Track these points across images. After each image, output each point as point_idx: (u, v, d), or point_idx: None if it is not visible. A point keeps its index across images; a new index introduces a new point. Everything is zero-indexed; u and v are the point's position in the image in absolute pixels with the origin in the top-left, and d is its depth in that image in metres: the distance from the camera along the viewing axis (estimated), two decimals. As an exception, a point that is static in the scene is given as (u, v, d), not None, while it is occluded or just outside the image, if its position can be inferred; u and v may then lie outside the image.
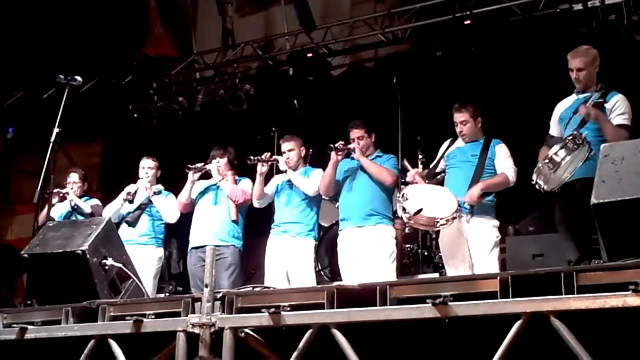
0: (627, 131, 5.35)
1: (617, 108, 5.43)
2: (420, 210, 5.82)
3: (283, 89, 10.74)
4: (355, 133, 6.67)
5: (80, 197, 7.96)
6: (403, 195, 5.95)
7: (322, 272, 8.00)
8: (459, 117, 6.25)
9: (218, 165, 7.21)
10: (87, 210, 7.78)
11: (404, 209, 5.88)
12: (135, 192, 7.52)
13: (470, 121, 6.22)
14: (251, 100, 10.85)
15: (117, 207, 7.55)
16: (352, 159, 6.66)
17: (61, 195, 7.71)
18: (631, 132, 5.36)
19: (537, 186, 5.28)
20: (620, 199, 3.87)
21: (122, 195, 7.53)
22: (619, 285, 3.28)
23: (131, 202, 7.53)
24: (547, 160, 5.17)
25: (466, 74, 9.24)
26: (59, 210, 7.79)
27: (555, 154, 5.16)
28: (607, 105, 5.44)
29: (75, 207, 7.82)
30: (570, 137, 5.19)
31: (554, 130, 5.78)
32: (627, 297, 3.20)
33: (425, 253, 7.84)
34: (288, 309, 4.02)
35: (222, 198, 7.18)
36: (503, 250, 6.65)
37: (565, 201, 5.48)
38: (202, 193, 7.32)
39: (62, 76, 6.68)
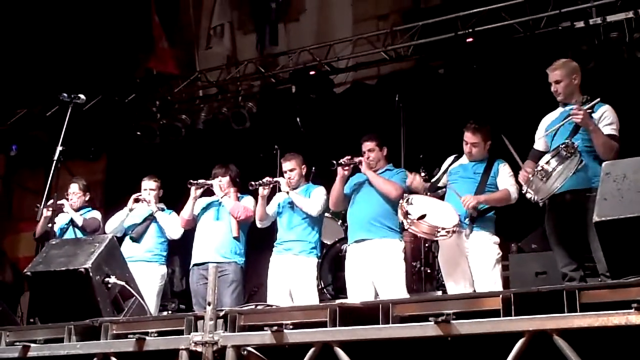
0: (616, 141, 5.33)
1: (605, 118, 5.42)
2: (423, 217, 5.82)
3: (286, 107, 10.76)
4: (366, 146, 6.67)
5: (80, 207, 7.83)
6: (407, 200, 5.94)
7: (325, 290, 7.98)
8: (471, 138, 6.19)
9: (220, 183, 7.22)
10: (80, 223, 7.61)
11: (407, 213, 5.86)
12: (142, 201, 7.55)
13: (481, 144, 6.20)
14: (254, 118, 10.89)
15: (122, 218, 7.55)
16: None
17: (53, 210, 7.48)
18: (622, 144, 5.34)
19: (527, 195, 5.29)
20: (622, 217, 3.87)
21: (128, 205, 7.54)
22: (622, 303, 3.27)
23: (138, 201, 7.53)
24: (539, 168, 5.15)
25: (468, 91, 9.26)
26: (59, 222, 7.62)
27: (547, 162, 5.14)
28: (595, 115, 5.42)
29: (72, 219, 7.71)
30: (562, 145, 5.17)
31: (539, 144, 5.76)
32: (630, 315, 3.19)
33: (428, 271, 7.82)
34: (291, 327, 4.02)
35: (224, 215, 7.18)
36: (506, 268, 6.64)
37: (556, 211, 5.46)
38: (204, 210, 7.32)
39: (65, 94, 6.70)
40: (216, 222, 7.21)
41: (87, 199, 7.99)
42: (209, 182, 7.25)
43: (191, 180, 7.22)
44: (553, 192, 5.20)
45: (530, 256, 7.21)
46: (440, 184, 6.47)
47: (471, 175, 6.21)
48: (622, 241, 3.88)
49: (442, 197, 6.38)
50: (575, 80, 5.63)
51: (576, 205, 4.98)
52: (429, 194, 6.35)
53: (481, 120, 6.33)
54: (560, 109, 5.71)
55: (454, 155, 6.47)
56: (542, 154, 5.51)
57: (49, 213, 6.89)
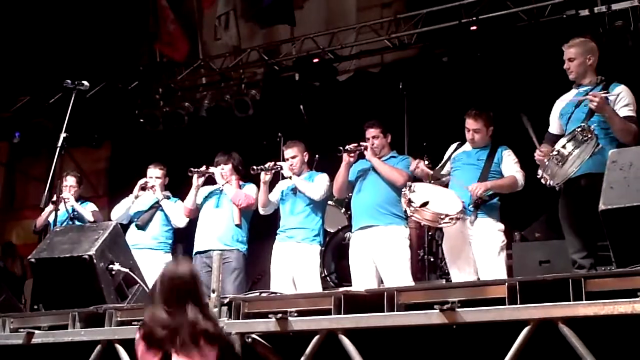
0: (634, 123, 5.25)
1: (622, 99, 5.33)
2: (426, 204, 5.80)
3: (289, 95, 10.73)
4: (370, 132, 6.66)
5: (76, 200, 7.82)
6: (410, 187, 5.91)
7: (328, 278, 7.98)
8: (472, 125, 6.17)
9: (222, 171, 7.21)
10: (90, 218, 7.65)
11: (410, 200, 5.82)
12: (148, 188, 7.54)
13: (483, 130, 6.18)
14: (257, 105, 10.86)
15: (127, 205, 7.58)
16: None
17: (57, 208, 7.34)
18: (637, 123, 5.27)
19: (542, 180, 5.18)
20: (628, 205, 3.86)
21: (134, 192, 7.55)
22: (627, 291, 3.27)
23: (144, 189, 7.56)
24: (555, 153, 5.06)
25: (472, 79, 9.24)
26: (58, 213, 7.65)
27: (563, 147, 5.04)
28: (610, 97, 5.33)
29: (75, 213, 7.68)
30: (579, 129, 5.07)
31: (554, 127, 5.68)
32: (635, 303, 3.19)
33: (432, 259, 7.82)
34: (295, 314, 4.02)
35: (226, 202, 7.17)
36: (509, 257, 6.62)
37: (570, 196, 5.39)
38: (206, 198, 7.32)
39: (69, 81, 6.68)
40: (218, 210, 7.20)
41: (81, 191, 8.07)
42: (210, 169, 7.25)
43: (192, 168, 7.22)
44: (569, 176, 5.13)
45: (533, 245, 7.20)
46: (443, 172, 6.46)
47: (474, 162, 6.19)
48: (628, 230, 3.88)
49: (446, 185, 6.37)
50: (590, 60, 5.56)
51: (591, 190, 4.83)
52: (432, 182, 6.34)
53: (482, 106, 6.31)
54: (574, 90, 5.64)
55: (457, 143, 6.45)
56: (556, 137, 5.44)
57: (52, 208, 6.89)
